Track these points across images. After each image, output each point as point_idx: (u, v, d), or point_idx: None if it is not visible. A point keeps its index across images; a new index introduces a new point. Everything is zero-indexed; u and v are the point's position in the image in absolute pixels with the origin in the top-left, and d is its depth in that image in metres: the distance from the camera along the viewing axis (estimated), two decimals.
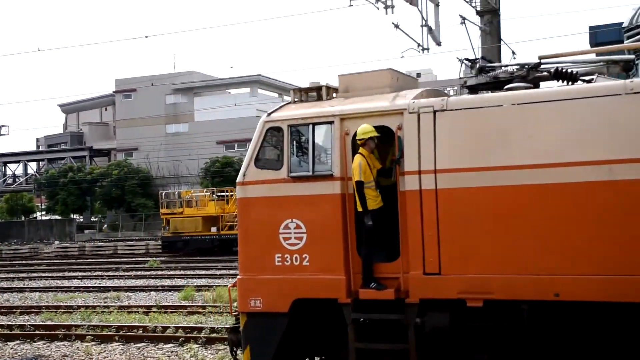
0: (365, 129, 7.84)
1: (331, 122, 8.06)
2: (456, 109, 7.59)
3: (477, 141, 7.47)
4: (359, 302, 7.81)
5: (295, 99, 8.85)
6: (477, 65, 8.46)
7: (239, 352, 8.82)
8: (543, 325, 7.25)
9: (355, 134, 7.93)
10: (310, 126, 8.16)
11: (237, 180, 8.47)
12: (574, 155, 7.08)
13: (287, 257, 8.12)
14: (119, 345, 13.46)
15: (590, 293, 6.91)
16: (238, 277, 8.49)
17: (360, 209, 7.78)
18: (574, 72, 7.97)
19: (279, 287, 8.16)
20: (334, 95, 8.75)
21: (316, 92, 8.90)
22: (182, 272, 28.09)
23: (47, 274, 30.43)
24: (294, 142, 8.27)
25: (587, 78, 8.08)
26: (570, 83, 7.91)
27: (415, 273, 7.57)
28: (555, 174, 7.15)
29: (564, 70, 8.00)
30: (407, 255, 7.64)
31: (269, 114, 8.47)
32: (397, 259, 7.78)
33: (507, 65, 8.32)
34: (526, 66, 8.25)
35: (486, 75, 8.43)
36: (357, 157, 7.85)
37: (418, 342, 7.59)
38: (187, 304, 18.27)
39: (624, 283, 6.81)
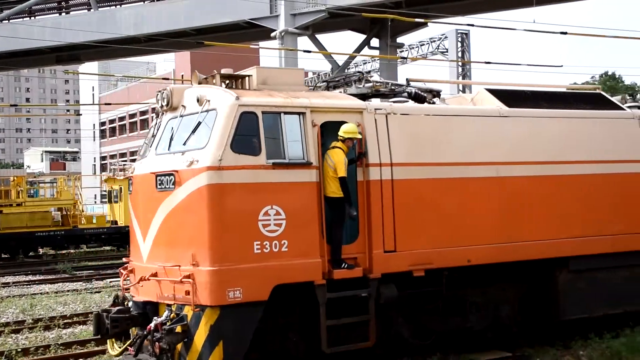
0: (350, 129, 9.12)
1: (302, 113, 9.00)
2: (401, 114, 9.88)
3: (417, 141, 9.80)
4: (331, 282, 9.05)
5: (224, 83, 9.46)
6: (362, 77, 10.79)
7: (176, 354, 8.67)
8: (463, 281, 10.08)
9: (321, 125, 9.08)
10: (282, 115, 8.90)
11: (210, 165, 8.40)
12: (476, 157, 10.22)
13: (266, 244, 8.55)
14: None
15: (488, 257, 10.14)
16: (207, 269, 8.27)
17: (330, 194, 9.14)
18: (424, 95, 11.12)
19: (259, 275, 8.48)
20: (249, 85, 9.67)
21: (234, 81, 9.64)
22: None
23: None
24: (267, 129, 8.80)
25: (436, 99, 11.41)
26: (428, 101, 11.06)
27: (377, 252, 9.29)
28: (466, 170, 10.13)
29: (417, 93, 11.07)
30: (370, 236, 9.30)
31: (238, 98, 8.81)
32: (355, 241, 9.43)
33: (387, 82, 10.85)
34: (393, 85, 11.00)
35: (366, 87, 10.82)
36: (340, 152, 9.04)
37: (377, 312, 9.39)
38: None
39: (508, 248, 10.31)
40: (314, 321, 9.03)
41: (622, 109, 12.04)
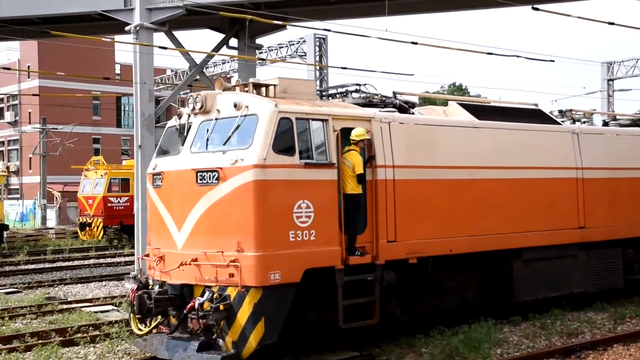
0: (360, 132, 10.76)
1: (326, 120, 10.56)
2: (399, 123, 11.65)
3: (412, 146, 11.61)
4: (348, 267, 10.68)
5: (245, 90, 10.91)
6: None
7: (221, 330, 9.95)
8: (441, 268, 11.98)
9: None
10: (310, 121, 10.43)
11: (256, 163, 9.72)
12: (456, 162, 12.19)
13: (299, 233, 10.07)
14: None
15: (464, 248, 12.19)
16: (253, 254, 9.65)
17: (349, 191, 10.76)
18: (406, 106, 12.97)
19: (293, 260, 9.97)
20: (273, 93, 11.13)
21: (264, 88, 11.07)
22: None
23: None
24: (299, 133, 10.26)
25: (423, 109, 13.36)
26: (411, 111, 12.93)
27: (382, 241, 11.01)
28: (449, 172, 12.07)
29: (403, 103, 12.91)
30: (377, 228, 11.01)
31: (277, 105, 10.27)
32: (364, 232, 11.07)
33: (377, 94, 12.61)
34: (383, 97, 12.78)
35: (362, 97, 12.53)
36: (356, 153, 10.67)
37: (381, 293, 11.13)
38: None
39: (478, 240, 12.36)
40: (330, 302, 10.69)
41: (559, 124, 14.59)
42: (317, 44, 31.58)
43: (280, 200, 10.07)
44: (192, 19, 22.67)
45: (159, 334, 10.80)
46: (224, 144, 10.32)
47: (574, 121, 15.45)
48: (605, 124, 16.76)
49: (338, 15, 23.01)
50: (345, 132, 10.93)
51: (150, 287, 11.10)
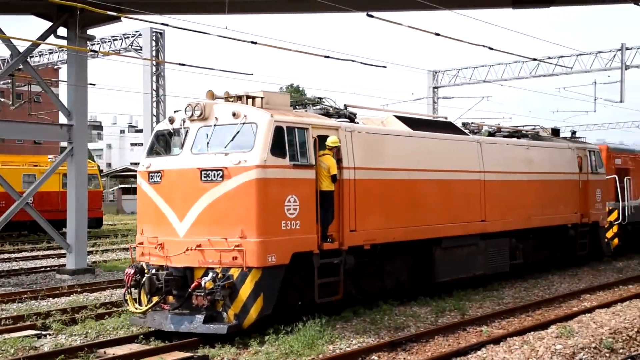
0: (335, 140, 13.06)
1: (307, 129, 12.81)
2: (358, 132, 14.14)
3: (367, 151, 14.09)
4: (322, 252, 13.01)
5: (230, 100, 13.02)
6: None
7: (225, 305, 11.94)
8: (384, 254, 14.64)
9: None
10: (296, 129, 12.66)
11: (258, 164, 11.78)
12: (397, 165, 14.88)
13: (288, 222, 12.23)
14: None
15: (403, 236, 14.93)
16: (255, 240, 11.73)
17: (324, 188, 13.09)
18: (353, 117, 15.47)
19: (284, 245, 12.13)
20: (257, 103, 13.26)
21: (251, 100, 13.18)
22: None
23: None
24: (289, 139, 12.45)
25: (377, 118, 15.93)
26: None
27: (347, 230, 13.39)
28: (393, 174, 14.67)
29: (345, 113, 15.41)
30: (342, 219, 13.40)
31: (272, 116, 12.38)
32: (332, 222, 13.44)
33: (332, 106, 14.98)
34: (336, 109, 15.20)
35: (319, 109, 14.88)
36: (330, 157, 12.97)
37: (344, 274, 13.59)
38: None
39: (412, 230, 15.11)
40: (308, 280, 13.10)
41: (467, 134, 17.84)
42: (154, 38, 30.83)
43: (276, 195, 12.27)
44: (15, 3, 21.85)
45: (159, 311, 12.69)
46: (225, 147, 12.45)
47: (471, 131, 18.81)
48: (491, 134, 20.28)
49: (176, 10, 22.76)
50: (320, 139, 13.38)
51: (145, 271, 12.99)
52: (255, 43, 18.85)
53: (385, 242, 14.57)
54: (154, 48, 29.56)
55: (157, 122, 25.28)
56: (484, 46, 22.16)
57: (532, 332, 12.92)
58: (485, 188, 17.48)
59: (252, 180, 12.03)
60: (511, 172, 18.65)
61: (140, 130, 67.76)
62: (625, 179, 26.18)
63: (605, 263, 23.48)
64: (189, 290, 12.20)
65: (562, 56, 37.29)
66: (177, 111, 13.48)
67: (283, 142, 12.48)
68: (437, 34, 20.26)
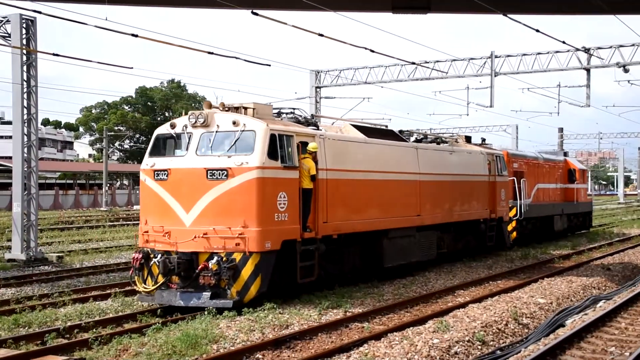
0: (315, 146, 15.63)
1: (292, 136, 15.48)
2: (329, 139, 17.08)
3: (335, 155, 16.94)
4: (303, 240, 15.84)
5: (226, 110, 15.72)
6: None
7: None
8: (345, 242, 17.51)
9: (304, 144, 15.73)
10: (285, 137, 15.41)
11: (258, 165, 14.39)
12: (358, 167, 17.86)
13: (279, 215, 14.80)
14: None
15: (361, 228, 17.91)
16: (255, 229, 14.30)
17: (305, 186, 15.96)
18: (318, 126, 18.44)
19: (277, 234, 14.69)
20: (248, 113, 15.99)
21: (244, 109, 15.90)
22: None
23: None
24: (280, 144, 15.20)
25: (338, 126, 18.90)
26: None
27: (321, 222, 16.16)
28: (355, 174, 17.52)
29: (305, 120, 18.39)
30: (317, 212, 16.16)
31: (268, 125, 15.09)
32: (310, 215, 16.34)
33: (302, 116, 17.85)
34: (305, 118, 18.11)
35: (291, 118, 17.75)
36: (311, 160, 15.54)
37: (322, 257, 16.49)
38: None
39: (367, 223, 18.22)
40: (290, 264, 15.97)
41: (406, 140, 21.23)
42: (24, 25, 28.01)
43: (271, 191, 14.94)
44: None
45: (166, 289, 15.29)
46: (227, 150, 15.20)
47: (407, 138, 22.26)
48: (418, 141, 23.73)
49: None
50: (301, 144, 16.33)
51: (151, 255, 15.57)
52: (136, 36, 18.77)
53: (348, 232, 17.67)
54: (24, 36, 26.95)
55: (29, 114, 25.97)
56: (365, 48, 23.32)
57: (411, 328, 13.69)
58: (421, 187, 20.85)
59: (253, 179, 14.77)
60: (439, 173, 22.13)
61: (9, 122, 64.97)
62: (521, 181, 30.58)
63: (503, 254, 27.14)
64: (197, 271, 14.86)
65: (438, 61, 38.78)
66: (177, 118, 16.17)
67: (276, 147, 15.29)
68: (321, 35, 21.10)
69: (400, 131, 22.25)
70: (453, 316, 14.90)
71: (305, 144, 16.15)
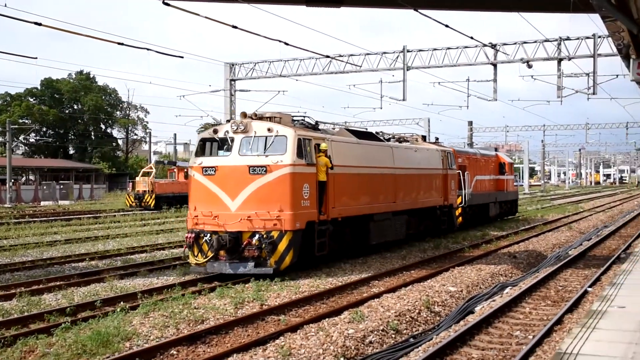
0: (326, 146, 20.29)
1: (310, 139, 20.36)
2: (335, 141, 22.35)
3: (339, 154, 22.07)
4: (319, 222, 21.03)
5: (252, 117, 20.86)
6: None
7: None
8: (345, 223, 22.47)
9: (318, 145, 20.40)
10: (307, 140, 20.30)
11: (290, 163, 19.15)
12: (352, 163, 22.96)
13: (304, 202, 19.15)
14: None
15: (355, 212, 22.69)
16: (289, 213, 18.92)
17: (321, 179, 21.22)
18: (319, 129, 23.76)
19: (303, 216, 19.07)
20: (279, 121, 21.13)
21: (270, 118, 21.07)
22: None
23: None
24: (304, 146, 20.13)
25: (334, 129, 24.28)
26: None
27: (330, 208, 21.01)
28: (351, 169, 22.22)
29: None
30: (328, 200, 21.13)
31: (296, 132, 20.16)
32: (323, 202, 21.61)
33: (308, 121, 23.10)
34: (310, 124, 23.41)
35: (300, 123, 22.99)
36: (324, 158, 20.02)
37: (330, 236, 21.60)
38: None
39: (360, 208, 23.36)
40: (309, 241, 21.16)
41: (383, 141, 26.81)
42: None
43: (298, 183, 19.51)
44: None
45: (216, 261, 20.31)
46: (264, 151, 20.15)
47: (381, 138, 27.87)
48: (387, 140, 29.26)
49: None
50: (316, 145, 21.52)
51: (200, 235, 20.57)
52: (40, 24, 18.66)
53: (347, 216, 23.14)
54: None
55: None
56: (279, 41, 24.59)
57: (327, 319, 14.23)
58: (395, 179, 26.24)
59: (287, 174, 19.65)
60: (408, 168, 27.54)
61: None
62: (465, 173, 36.81)
63: (452, 236, 32.41)
64: (242, 246, 20.00)
65: (352, 55, 40.63)
66: (219, 124, 21.30)
67: (301, 148, 20.29)
68: (235, 27, 22.10)
69: (377, 133, 27.87)
70: (368, 306, 15.62)
71: (317, 145, 21.54)
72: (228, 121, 20.88)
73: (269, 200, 19.47)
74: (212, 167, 19.91)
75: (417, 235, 29.13)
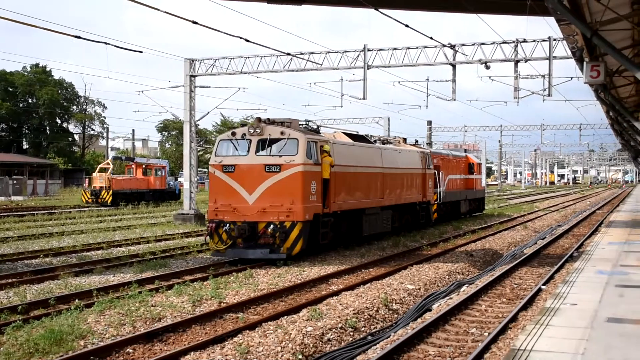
0: (329, 147, 23.06)
1: (317, 142, 23.06)
2: (336, 143, 25.39)
3: (340, 155, 24.55)
4: (323, 214, 24.03)
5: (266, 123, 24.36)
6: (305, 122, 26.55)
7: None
8: (343, 216, 25.69)
9: (321, 146, 23.14)
10: (313, 142, 23.25)
11: (301, 162, 22.02)
12: (349, 162, 25.62)
13: (312, 197, 21.86)
14: None
15: (352, 206, 25.63)
16: (300, 205, 21.54)
17: (325, 177, 24.66)
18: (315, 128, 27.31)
19: (311, 209, 21.80)
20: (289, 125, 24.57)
21: (282, 123, 24.59)
22: None
23: None
24: (312, 148, 23.05)
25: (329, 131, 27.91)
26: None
27: (331, 202, 23.61)
28: (347, 168, 24.89)
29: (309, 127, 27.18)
30: (329, 195, 23.85)
31: (306, 135, 23.34)
32: (327, 197, 24.96)
33: (310, 125, 26.53)
34: (312, 128, 26.95)
35: (304, 126, 26.47)
36: (328, 157, 22.76)
37: (330, 226, 24.50)
38: None
39: (355, 203, 26.00)
40: (314, 230, 24.25)
41: (373, 143, 30.50)
42: None
43: (308, 180, 22.13)
44: None
45: (235, 248, 23.37)
46: (279, 152, 23.11)
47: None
48: (374, 142, 32.87)
49: None
50: (321, 147, 24.58)
51: (221, 225, 23.88)
52: None
53: (345, 210, 26.36)
54: None
55: None
56: (240, 37, 24.86)
57: (285, 317, 14.24)
58: (383, 178, 29.43)
59: (299, 172, 22.58)
60: (394, 167, 30.52)
61: None
62: (440, 173, 40.75)
63: (429, 230, 35.82)
64: (259, 234, 23.44)
65: (313, 52, 40.36)
66: (236, 127, 24.73)
67: (310, 150, 23.31)
68: (195, 22, 22.18)
69: (366, 135, 31.66)
70: (326, 304, 15.77)
71: (321, 146, 25.04)
72: (243, 125, 24.35)
73: (283, 195, 22.37)
74: (231, 165, 23.17)
75: (399, 229, 32.69)
